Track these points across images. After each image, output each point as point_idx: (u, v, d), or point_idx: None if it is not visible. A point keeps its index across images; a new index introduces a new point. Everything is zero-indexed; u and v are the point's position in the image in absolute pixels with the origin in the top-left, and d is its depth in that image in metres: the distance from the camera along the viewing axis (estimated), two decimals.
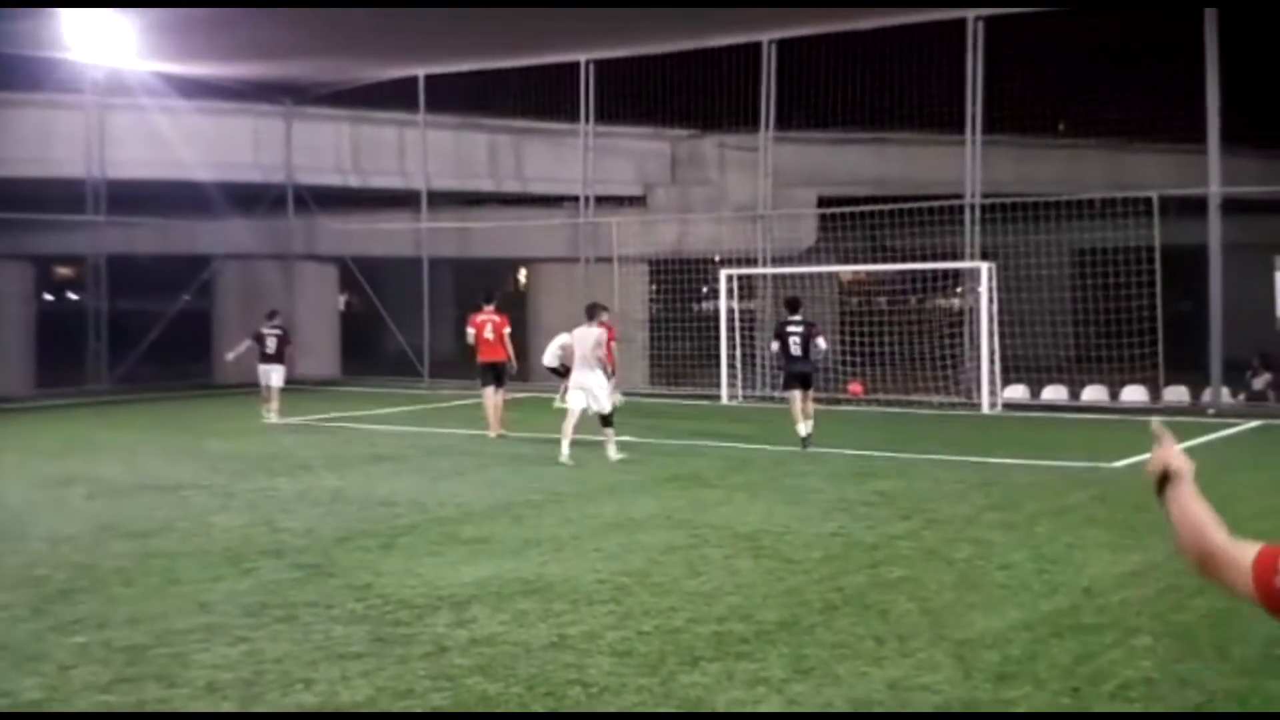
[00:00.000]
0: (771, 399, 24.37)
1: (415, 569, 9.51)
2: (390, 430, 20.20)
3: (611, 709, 6.22)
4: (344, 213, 32.41)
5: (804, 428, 16.70)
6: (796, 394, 16.83)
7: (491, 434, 18.67)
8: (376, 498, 13.09)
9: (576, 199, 29.36)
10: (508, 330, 19.44)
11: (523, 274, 37.01)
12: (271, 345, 21.82)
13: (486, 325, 19.28)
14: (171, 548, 10.49)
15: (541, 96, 29.00)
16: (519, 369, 20.19)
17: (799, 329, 17.03)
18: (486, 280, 42.82)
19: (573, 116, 28.64)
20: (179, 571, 9.53)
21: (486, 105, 29.92)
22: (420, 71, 29.29)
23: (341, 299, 36.29)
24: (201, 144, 28.18)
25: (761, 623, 7.83)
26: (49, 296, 55.69)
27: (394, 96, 30.14)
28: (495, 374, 19.13)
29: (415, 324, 30.65)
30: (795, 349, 16.95)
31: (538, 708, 6.25)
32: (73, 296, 48.10)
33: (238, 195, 30.18)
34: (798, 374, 16.92)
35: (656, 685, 6.59)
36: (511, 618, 8.02)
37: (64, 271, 51.19)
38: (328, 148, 31.36)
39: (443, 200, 31.29)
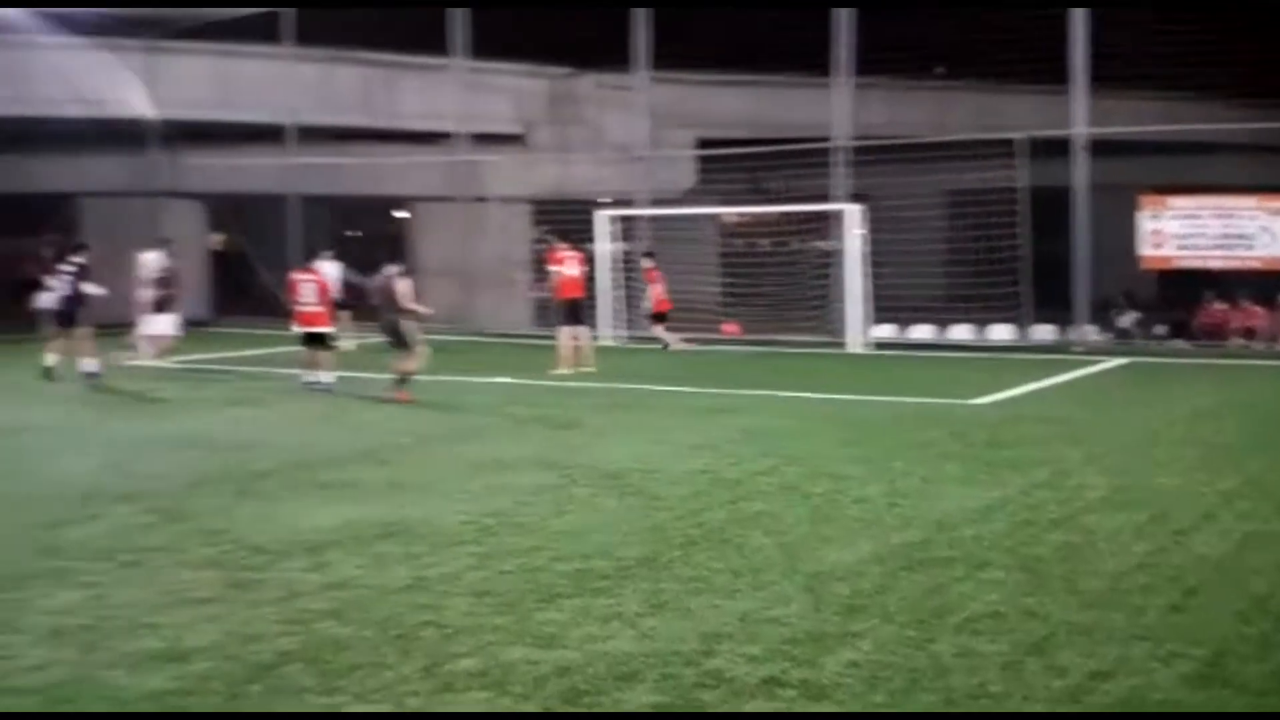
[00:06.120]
0: (648, 338, 24.34)
1: (271, 514, 9.35)
2: (259, 371, 19.83)
3: (464, 649, 6.16)
4: (212, 148, 31.50)
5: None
6: None
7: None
8: (234, 442, 12.83)
9: (452, 136, 28.86)
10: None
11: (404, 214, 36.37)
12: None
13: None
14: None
15: (415, 32, 28.37)
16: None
17: None
18: (364, 219, 41.33)
19: (449, 51, 28.09)
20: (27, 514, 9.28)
21: (358, 40, 29.16)
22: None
23: (217, 238, 35.19)
24: (66, 80, 27.22)
25: (622, 559, 7.84)
26: None
27: (261, 30, 29.30)
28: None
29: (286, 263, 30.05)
30: None
31: (389, 650, 6.16)
32: None
33: (101, 131, 29.19)
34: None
35: (512, 624, 6.56)
36: (369, 561, 7.92)
37: None
38: (195, 82, 30.37)
39: (314, 136, 30.51)
